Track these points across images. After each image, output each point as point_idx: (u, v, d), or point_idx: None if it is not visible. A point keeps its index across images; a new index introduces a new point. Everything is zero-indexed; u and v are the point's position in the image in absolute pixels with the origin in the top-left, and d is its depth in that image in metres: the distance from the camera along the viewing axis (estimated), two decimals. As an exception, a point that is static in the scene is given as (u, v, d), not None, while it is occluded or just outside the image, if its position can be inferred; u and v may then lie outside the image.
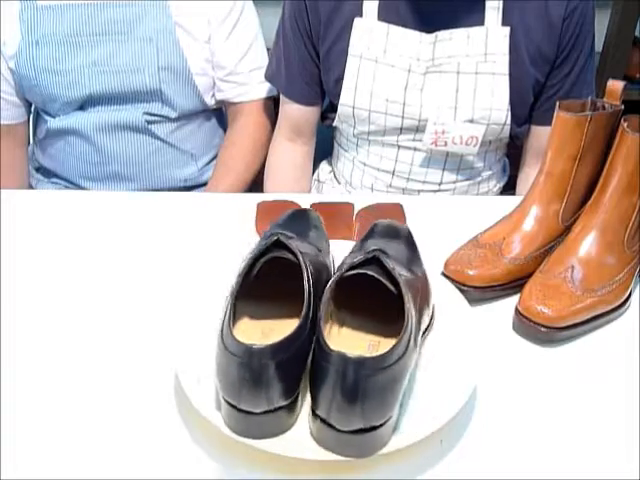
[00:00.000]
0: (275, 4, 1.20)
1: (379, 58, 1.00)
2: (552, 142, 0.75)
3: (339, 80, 1.04)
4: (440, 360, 0.60)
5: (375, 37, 1.00)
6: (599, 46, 1.59)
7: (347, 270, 0.54)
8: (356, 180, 1.13)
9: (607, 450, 0.57)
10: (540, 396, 0.62)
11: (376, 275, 0.53)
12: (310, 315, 0.52)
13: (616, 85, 0.74)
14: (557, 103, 0.74)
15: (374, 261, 0.54)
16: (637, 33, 1.62)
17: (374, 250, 0.55)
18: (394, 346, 0.48)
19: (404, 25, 0.99)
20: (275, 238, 0.56)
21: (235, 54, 1.19)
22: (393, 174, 1.09)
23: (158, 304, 0.71)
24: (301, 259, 0.55)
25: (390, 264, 0.53)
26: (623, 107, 0.74)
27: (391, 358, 0.47)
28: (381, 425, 0.49)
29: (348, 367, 0.46)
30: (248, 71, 1.21)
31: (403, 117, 1.02)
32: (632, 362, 0.66)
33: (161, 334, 0.65)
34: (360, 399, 0.46)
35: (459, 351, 0.61)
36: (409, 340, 0.50)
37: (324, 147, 1.24)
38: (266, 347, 0.47)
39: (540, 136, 1.06)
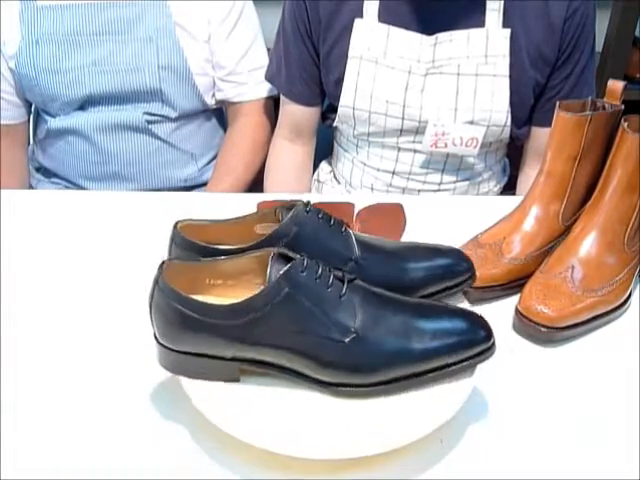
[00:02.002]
0: (275, 4, 1.20)
1: (379, 59, 1.00)
2: (552, 142, 0.75)
3: (339, 81, 1.04)
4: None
5: (375, 38, 1.00)
6: (599, 46, 1.59)
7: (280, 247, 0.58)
8: (356, 180, 1.13)
9: (607, 450, 0.57)
10: (540, 396, 0.62)
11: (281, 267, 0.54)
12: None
13: (616, 85, 0.74)
14: (557, 103, 0.74)
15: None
16: (637, 33, 1.62)
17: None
18: (189, 299, 0.53)
19: (404, 26, 0.99)
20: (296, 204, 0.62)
21: (235, 54, 1.19)
22: (393, 174, 1.09)
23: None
24: (285, 226, 0.60)
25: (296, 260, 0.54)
26: (623, 107, 0.74)
27: (182, 301, 0.53)
28: (172, 350, 0.55)
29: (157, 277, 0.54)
30: (248, 71, 1.21)
31: (403, 118, 1.02)
32: (632, 362, 0.66)
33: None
34: (152, 311, 0.54)
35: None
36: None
37: (324, 147, 1.24)
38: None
39: (540, 137, 1.06)
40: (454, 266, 0.64)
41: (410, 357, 0.55)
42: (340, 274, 0.56)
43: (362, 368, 0.55)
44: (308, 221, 0.61)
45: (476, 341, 0.56)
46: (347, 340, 0.54)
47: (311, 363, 0.54)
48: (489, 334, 0.56)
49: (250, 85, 1.22)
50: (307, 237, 0.60)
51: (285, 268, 0.53)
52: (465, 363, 0.55)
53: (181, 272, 0.56)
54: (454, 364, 0.55)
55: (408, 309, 0.57)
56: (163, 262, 0.54)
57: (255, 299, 0.53)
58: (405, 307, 0.57)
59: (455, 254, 0.65)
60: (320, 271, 0.54)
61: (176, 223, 0.61)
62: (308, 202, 0.62)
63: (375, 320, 0.55)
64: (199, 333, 0.54)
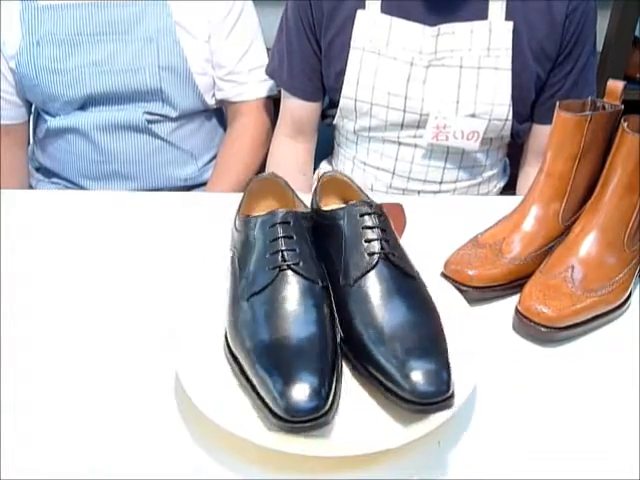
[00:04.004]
0: (275, 4, 1.20)
1: (381, 51, 1.00)
2: (552, 142, 0.75)
3: (340, 74, 1.04)
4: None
5: (378, 29, 1.00)
6: (599, 46, 1.59)
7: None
8: (356, 180, 1.13)
9: (607, 450, 0.57)
10: (540, 396, 0.62)
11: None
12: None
13: (616, 85, 0.74)
14: (557, 103, 0.74)
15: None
16: (637, 33, 1.62)
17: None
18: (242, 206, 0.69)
19: (407, 18, 0.99)
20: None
21: (235, 53, 1.19)
22: (393, 174, 1.09)
23: (158, 304, 0.71)
24: (337, 212, 0.63)
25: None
26: (623, 107, 0.74)
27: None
28: None
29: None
30: (248, 70, 1.21)
31: (405, 111, 1.02)
32: (632, 362, 0.66)
33: (161, 334, 0.65)
34: None
35: (459, 351, 0.60)
36: None
37: (324, 147, 1.24)
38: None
39: (541, 135, 1.06)
40: (405, 382, 0.52)
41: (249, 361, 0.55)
42: (295, 261, 0.58)
43: (231, 335, 0.58)
44: (352, 222, 0.61)
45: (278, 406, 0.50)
46: (235, 303, 0.59)
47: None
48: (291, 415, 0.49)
49: (250, 85, 1.22)
50: (337, 233, 0.62)
51: (260, 220, 0.61)
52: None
53: (283, 189, 0.71)
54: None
55: (305, 330, 0.55)
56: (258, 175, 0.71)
57: (245, 222, 0.63)
58: (305, 327, 0.55)
59: (429, 371, 0.52)
60: (272, 240, 0.59)
61: (322, 174, 0.71)
62: (377, 210, 0.62)
63: (269, 312, 0.56)
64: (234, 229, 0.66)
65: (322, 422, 0.49)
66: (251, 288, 0.58)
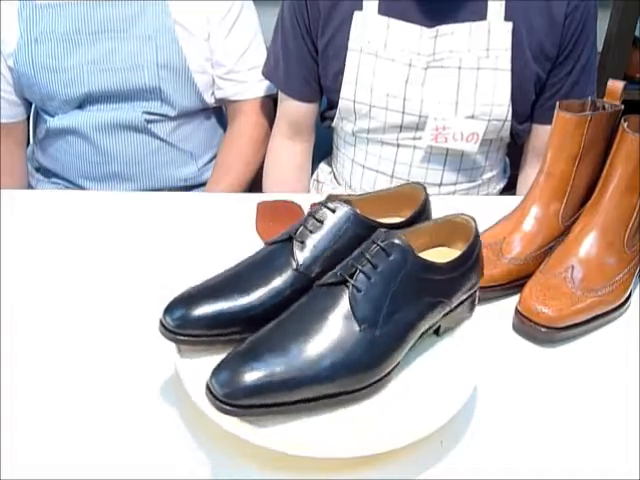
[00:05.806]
0: (275, 4, 1.19)
1: (379, 52, 1.00)
2: (552, 142, 0.75)
3: (338, 75, 1.03)
4: (440, 360, 0.60)
5: (375, 31, 1.00)
6: (599, 46, 1.59)
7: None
8: (355, 182, 1.13)
9: (607, 450, 0.57)
10: (540, 396, 0.62)
11: None
12: None
13: (616, 85, 0.74)
14: (557, 103, 0.74)
15: None
16: (637, 33, 1.62)
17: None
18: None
19: (405, 19, 0.99)
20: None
21: (234, 52, 1.19)
22: (392, 176, 1.08)
23: (158, 304, 0.71)
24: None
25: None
26: (623, 107, 0.74)
27: None
28: None
29: None
30: (247, 69, 1.20)
31: (404, 112, 1.01)
32: (632, 362, 0.67)
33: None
34: None
35: (459, 351, 0.61)
36: None
37: (323, 147, 1.24)
38: None
39: (542, 135, 1.06)
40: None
41: None
42: (301, 239, 0.60)
43: None
44: (367, 242, 0.59)
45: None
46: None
47: None
48: None
49: (249, 84, 1.22)
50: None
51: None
52: None
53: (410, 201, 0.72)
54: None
55: (239, 289, 0.59)
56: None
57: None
58: (243, 288, 0.59)
59: (234, 373, 0.51)
60: (308, 215, 0.62)
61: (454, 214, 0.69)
62: (396, 248, 0.57)
63: (249, 262, 0.61)
64: None
65: (169, 336, 0.57)
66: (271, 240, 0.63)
